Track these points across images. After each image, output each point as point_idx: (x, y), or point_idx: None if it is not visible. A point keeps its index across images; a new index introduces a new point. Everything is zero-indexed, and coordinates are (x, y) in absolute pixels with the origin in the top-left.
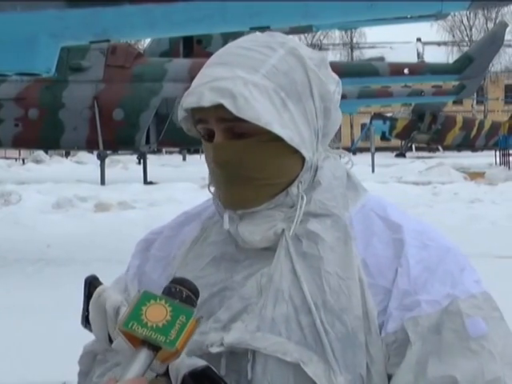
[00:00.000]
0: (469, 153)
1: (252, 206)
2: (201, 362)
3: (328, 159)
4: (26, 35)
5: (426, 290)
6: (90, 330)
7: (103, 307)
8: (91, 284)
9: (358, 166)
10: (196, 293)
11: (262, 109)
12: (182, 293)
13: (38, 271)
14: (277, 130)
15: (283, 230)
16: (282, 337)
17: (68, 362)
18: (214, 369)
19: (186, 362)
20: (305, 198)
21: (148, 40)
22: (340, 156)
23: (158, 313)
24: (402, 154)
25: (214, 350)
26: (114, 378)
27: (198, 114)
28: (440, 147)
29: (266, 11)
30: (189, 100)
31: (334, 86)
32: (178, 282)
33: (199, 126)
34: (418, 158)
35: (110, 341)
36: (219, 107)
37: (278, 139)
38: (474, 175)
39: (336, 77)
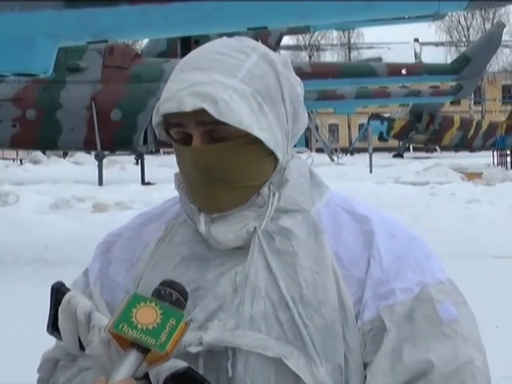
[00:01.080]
0: (466, 153)
1: (229, 208)
2: (181, 364)
3: (293, 158)
4: (23, 35)
5: (399, 278)
6: (57, 337)
7: (73, 313)
8: (58, 291)
9: (356, 166)
10: (185, 295)
11: (242, 113)
12: (171, 295)
13: (35, 272)
14: (257, 133)
15: (255, 228)
16: (262, 333)
17: None
18: (195, 369)
19: (167, 365)
20: (276, 194)
21: (145, 40)
22: (301, 153)
23: (148, 315)
24: (399, 155)
25: (193, 349)
26: (104, 379)
27: (175, 119)
28: (437, 147)
29: (263, 11)
30: (168, 105)
31: (300, 87)
32: (168, 284)
33: (174, 130)
34: (416, 158)
35: (81, 347)
36: (199, 111)
37: (255, 142)
38: (472, 175)
39: (299, 78)
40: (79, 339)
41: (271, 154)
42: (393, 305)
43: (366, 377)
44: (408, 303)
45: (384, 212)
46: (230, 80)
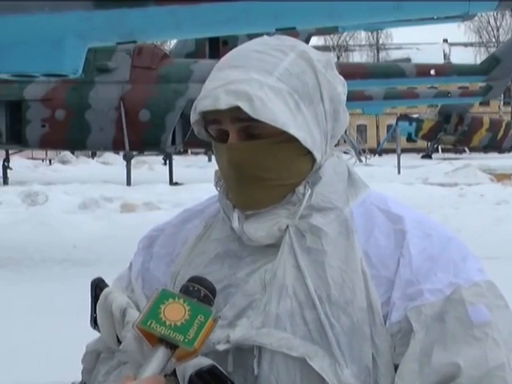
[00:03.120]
0: (495, 154)
1: (263, 206)
2: (207, 361)
3: (330, 157)
4: (53, 36)
5: (429, 279)
6: (99, 331)
7: (110, 309)
8: (97, 286)
9: (384, 167)
10: (213, 292)
11: (277, 111)
12: (199, 292)
13: (63, 271)
14: (293, 131)
15: (287, 226)
16: (287, 332)
17: None
18: (219, 367)
19: (192, 362)
20: (309, 192)
21: (174, 41)
22: (347, 153)
23: (176, 312)
24: (428, 156)
25: (221, 347)
26: (132, 375)
27: (212, 116)
28: (466, 148)
29: (292, 12)
30: (204, 103)
31: (341, 87)
32: (196, 280)
33: (212, 127)
34: (445, 159)
35: (119, 341)
36: (235, 109)
37: (291, 141)
38: (501, 177)
39: (342, 78)
40: (117, 334)
41: (308, 153)
42: (420, 305)
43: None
44: (438, 304)
45: (420, 212)
46: (267, 78)
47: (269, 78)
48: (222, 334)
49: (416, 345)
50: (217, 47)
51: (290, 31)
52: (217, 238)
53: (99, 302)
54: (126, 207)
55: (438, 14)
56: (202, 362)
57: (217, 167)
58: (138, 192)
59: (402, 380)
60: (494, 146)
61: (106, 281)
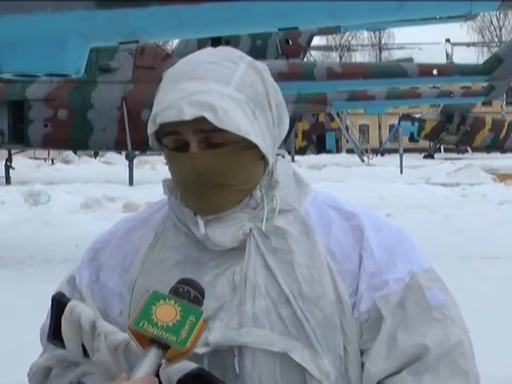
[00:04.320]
0: (498, 154)
1: (223, 210)
2: (192, 365)
3: (279, 160)
4: (55, 36)
5: (390, 269)
6: (57, 345)
7: (77, 322)
8: (59, 301)
9: (386, 167)
10: (202, 293)
11: (239, 120)
12: (189, 293)
13: (66, 271)
14: (254, 138)
15: (251, 229)
16: (266, 329)
17: None
18: (207, 370)
19: (177, 366)
20: (274, 196)
21: (176, 41)
22: (283, 156)
23: (167, 313)
24: (430, 156)
25: (200, 350)
26: (125, 376)
27: (171, 127)
28: (469, 148)
29: (294, 12)
30: (167, 114)
31: (280, 93)
32: (186, 282)
33: (169, 138)
34: (447, 159)
35: (84, 354)
36: (197, 120)
37: (249, 147)
38: (504, 177)
39: (276, 85)
40: (83, 346)
41: (262, 158)
42: (387, 294)
43: (363, 364)
44: (400, 292)
45: (365, 207)
46: (226, 88)
47: (227, 89)
48: None
49: (385, 330)
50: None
51: (293, 31)
52: (172, 246)
53: (64, 315)
54: (128, 207)
55: (441, 13)
56: (188, 365)
57: (168, 177)
58: (141, 192)
59: (372, 364)
60: (496, 145)
61: None
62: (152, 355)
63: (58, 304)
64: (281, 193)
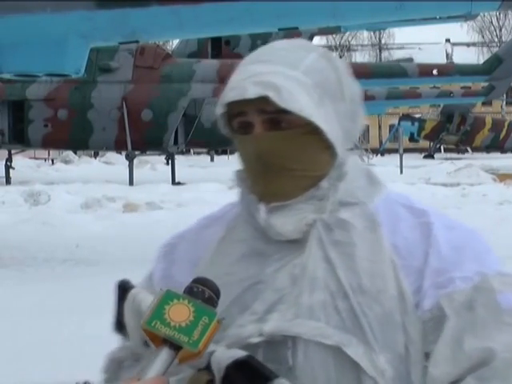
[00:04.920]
0: (498, 154)
1: (287, 198)
2: (242, 353)
3: (351, 155)
4: (55, 36)
5: (458, 267)
6: (122, 335)
7: (138, 309)
8: (123, 287)
9: (386, 167)
10: (217, 293)
11: (304, 101)
12: (204, 293)
13: (66, 271)
14: (318, 122)
15: (314, 221)
16: (321, 322)
17: (94, 361)
18: (256, 358)
19: (228, 354)
20: (338, 186)
21: (176, 41)
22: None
23: (180, 312)
24: (430, 156)
25: (254, 340)
26: (135, 376)
27: (238, 108)
28: (469, 148)
29: (294, 12)
30: (231, 94)
31: (359, 90)
32: (201, 281)
33: (237, 120)
34: (447, 159)
35: (145, 344)
36: (261, 100)
37: (314, 133)
38: (504, 177)
39: (357, 82)
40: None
41: (329, 148)
42: (452, 292)
43: (426, 366)
44: (467, 292)
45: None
46: (292, 71)
47: (294, 72)
48: (254, 329)
49: (448, 331)
50: (219, 47)
51: (293, 31)
52: (240, 239)
53: (127, 302)
54: (128, 207)
55: (441, 13)
56: (238, 353)
57: (237, 167)
58: (141, 192)
59: (434, 367)
60: (496, 145)
61: (109, 280)
62: (164, 355)
63: (122, 291)
64: (348, 185)
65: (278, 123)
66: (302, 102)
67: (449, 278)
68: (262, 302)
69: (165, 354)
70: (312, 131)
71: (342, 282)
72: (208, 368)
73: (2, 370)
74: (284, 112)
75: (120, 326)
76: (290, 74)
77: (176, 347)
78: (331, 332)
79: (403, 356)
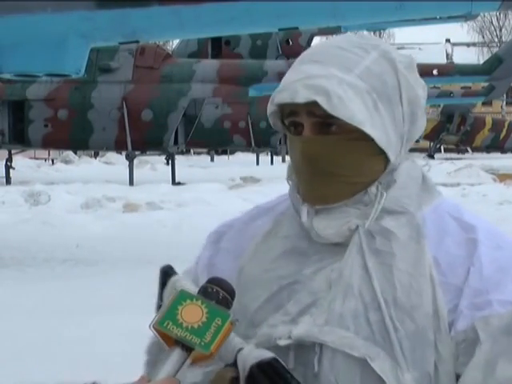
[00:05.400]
0: (498, 154)
1: (331, 202)
2: (268, 354)
3: (406, 161)
4: (56, 36)
5: (499, 290)
6: None
7: None
8: (166, 273)
9: None
10: (232, 294)
11: (355, 108)
12: (218, 294)
13: (66, 271)
14: (368, 130)
15: (357, 226)
16: (350, 332)
17: (94, 361)
18: (281, 361)
19: (254, 354)
20: (384, 195)
21: (176, 41)
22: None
23: (193, 313)
24: (430, 156)
25: (282, 342)
26: (146, 376)
27: (289, 107)
28: (469, 149)
29: (294, 12)
30: (282, 96)
31: (422, 90)
32: (215, 282)
33: (289, 119)
34: (447, 159)
35: None
36: (312, 103)
37: (365, 139)
38: (504, 177)
39: (423, 81)
40: None
41: (382, 154)
42: (489, 316)
43: None
44: (506, 316)
45: (492, 224)
46: (346, 75)
47: (348, 75)
48: (284, 330)
49: (481, 355)
50: (219, 47)
51: (293, 31)
52: (285, 235)
53: (166, 289)
54: (128, 207)
55: (441, 13)
56: (264, 354)
57: (290, 161)
58: (141, 192)
59: None
60: (496, 146)
61: (109, 280)
62: (175, 356)
63: (164, 276)
64: (396, 193)
65: (328, 127)
66: (352, 108)
67: (487, 301)
68: (296, 303)
69: (176, 354)
70: (363, 137)
71: (376, 293)
72: (235, 365)
73: (1, 370)
74: (333, 116)
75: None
76: (343, 77)
77: (188, 348)
78: (360, 343)
79: (432, 375)
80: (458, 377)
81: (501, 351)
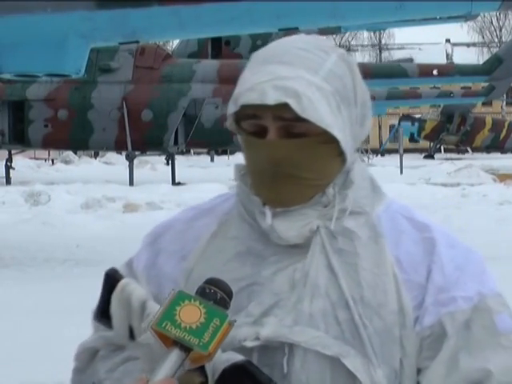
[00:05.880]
0: (498, 154)
1: (294, 204)
2: (239, 357)
3: (357, 162)
4: (56, 36)
5: (460, 286)
6: (105, 324)
7: (127, 301)
8: (112, 277)
9: (387, 167)
10: (230, 295)
11: (323, 111)
12: (216, 294)
13: (66, 271)
14: (336, 132)
15: (318, 227)
16: (321, 331)
17: None
18: (254, 363)
19: (223, 357)
20: (347, 195)
21: (176, 41)
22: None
23: (191, 314)
24: (430, 156)
25: (250, 344)
26: (144, 377)
27: (253, 110)
28: (469, 149)
29: (295, 12)
30: (250, 96)
31: (368, 93)
32: (213, 282)
33: (249, 122)
34: (447, 159)
35: (130, 335)
36: (279, 106)
37: (329, 141)
38: (504, 177)
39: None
40: (130, 328)
41: (340, 155)
42: (454, 312)
43: (418, 382)
44: (467, 312)
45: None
46: (313, 77)
47: (315, 77)
48: (250, 331)
49: (447, 350)
50: (219, 47)
51: (293, 31)
52: (236, 236)
53: (115, 292)
54: (128, 207)
55: (441, 13)
56: (235, 357)
57: (240, 163)
58: (141, 192)
59: (429, 383)
60: (496, 146)
61: None
62: (173, 357)
63: (111, 280)
64: (354, 194)
65: (293, 130)
66: (321, 111)
67: (451, 297)
68: (259, 305)
69: (175, 355)
70: (327, 140)
71: (343, 292)
72: (201, 369)
73: (1, 370)
74: (301, 119)
75: (102, 315)
76: (311, 79)
77: (186, 349)
78: (331, 342)
79: (398, 371)
80: (418, 371)
81: (461, 345)
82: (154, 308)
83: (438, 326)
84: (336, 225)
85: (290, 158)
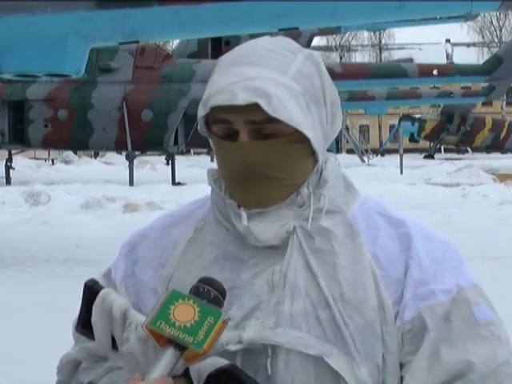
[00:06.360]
0: (498, 154)
1: (269, 205)
2: (223, 361)
3: (329, 161)
4: (56, 36)
5: (438, 279)
6: (86, 336)
7: (108, 311)
8: (92, 288)
9: (387, 167)
10: (223, 294)
11: (293, 110)
12: (209, 293)
13: (66, 271)
14: (307, 131)
15: (294, 228)
16: (303, 331)
17: None
18: (239, 367)
19: (208, 362)
20: (320, 194)
21: (176, 41)
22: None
23: (186, 313)
24: (430, 156)
25: (232, 347)
26: (139, 376)
27: (224, 115)
28: (469, 149)
29: (295, 12)
30: (219, 98)
31: (337, 92)
32: (206, 282)
33: (219, 126)
34: (447, 159)
35: (113, 345)
36: (249, 108)
37: (300, 141)
38: (504, 177)
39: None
40: (112, 338)
41: (312, 155)
42: (433, 305)
43: (401, 377)
44: (446, 304)
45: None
46: (282, 77)
47: (283, 78)
48: (232, 335)
49: (428, 343)
50: (219, 47)
51: (293, 31)
52: (212, 242)
53: (96, 302)
54: (128, 207)
55: (441, 13)
56: (220, 361)
57: (212, 167)
58: (141, 192)
59: (412, 378)
60: (496, 146)
61: None
62: (168, 355)
63: (91, 291)
64: (329, 193)
65: (264, 132)
66: (291, 110)
67: (430, 291)
68: (240, 308)
69: (169, 354)
70: (298, 139)
71: (323, 291)
72: (185, 375)
73: (1, 370)
74: (272, 121)
75: (83, 326)
76: (279, 79)
77: (181, 347)
78: (313, 342)
79: (381, 367)
80: (401, 366)
81: (442, 337)
82: (136, 317)
83: (419, 320)
84: (312, 225)
85: (262, 159)
